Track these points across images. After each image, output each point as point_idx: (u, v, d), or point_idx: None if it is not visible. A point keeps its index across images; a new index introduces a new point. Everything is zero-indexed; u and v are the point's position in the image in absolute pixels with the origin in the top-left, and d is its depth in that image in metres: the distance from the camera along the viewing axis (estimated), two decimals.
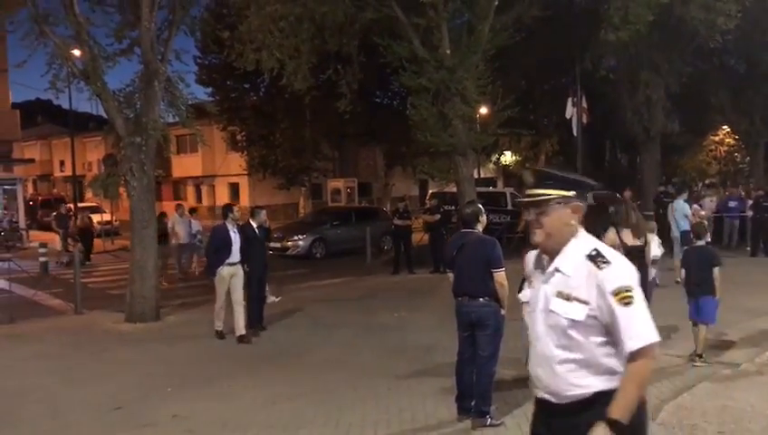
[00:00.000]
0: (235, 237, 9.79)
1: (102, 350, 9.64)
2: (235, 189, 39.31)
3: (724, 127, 37.73)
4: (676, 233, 13.74)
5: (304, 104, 25.66)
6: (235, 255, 9.78)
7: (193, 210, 19.06)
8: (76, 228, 21.28)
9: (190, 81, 15.17)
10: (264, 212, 10.95)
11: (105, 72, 11.84)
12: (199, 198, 42.33)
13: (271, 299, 12.04)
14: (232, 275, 9.79)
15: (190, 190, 43.20)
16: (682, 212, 13.85)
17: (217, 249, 9.80)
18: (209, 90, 32.60)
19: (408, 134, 19.70)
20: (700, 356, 7.69)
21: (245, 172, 35.73)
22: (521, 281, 5.68)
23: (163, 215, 15.91)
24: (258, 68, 15.66)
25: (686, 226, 13.37)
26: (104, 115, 12.80)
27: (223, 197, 40.22)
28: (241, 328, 9.67)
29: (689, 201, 15.20)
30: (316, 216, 25.48)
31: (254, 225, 10.38)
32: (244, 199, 38.24)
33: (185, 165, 40.05)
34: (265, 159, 32.82)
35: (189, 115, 13.11)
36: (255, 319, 10.22)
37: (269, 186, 33.54)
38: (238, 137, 33.87)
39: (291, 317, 11.47)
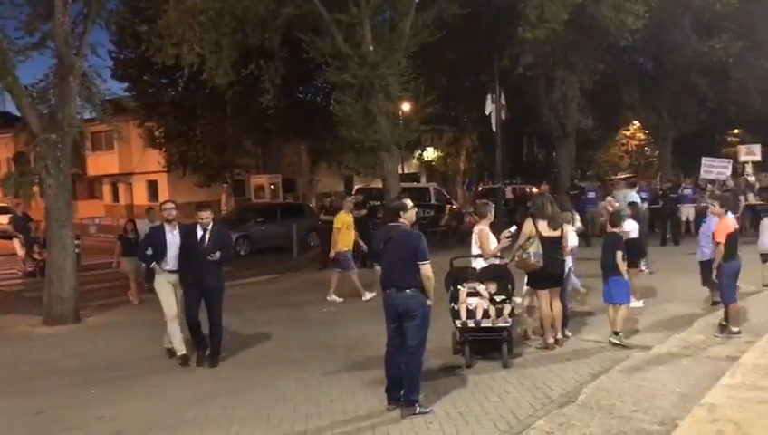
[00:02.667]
0: (173, 241, 8.26)
1: (20, 353, 9.29)
2: (153, 187, 38.26)
3: (635, 122, 39.43)
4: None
5: (226, 99, 25.24)
6: (172, 260, 8.27)
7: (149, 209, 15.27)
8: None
9: (105, 76, 14.75)
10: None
11: (16, 67, 11.35)
12: (116, 197, 41.02)
13: None
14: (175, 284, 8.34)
15: (106, 189, 41.78)
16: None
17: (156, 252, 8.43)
18: (125, 85, 31.61)
19: (332, 130, 19.74)
20: (617, 333, 8.12)
21: (164, 169, 34.81)
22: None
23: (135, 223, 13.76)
24: (177, 63, 15.34)
25: None
26: (13, 112, 12.28)
27: (141, 195, 39.14)
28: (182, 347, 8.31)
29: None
30: (240, 212, 25.14)
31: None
32: (164, 197, 37.20)
33: (100, 163, 38.69)
34: (185, 155, 32.06)
35: (106, 111, 12.73)
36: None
37: (189, 183, 32.79)
38: (156, 133, 32.91)
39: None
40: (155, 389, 7.28)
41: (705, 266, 9.68)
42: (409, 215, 6.39)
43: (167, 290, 8.25)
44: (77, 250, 13.28)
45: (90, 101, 12.27)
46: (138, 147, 35.56)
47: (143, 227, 13.52)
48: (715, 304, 9.76)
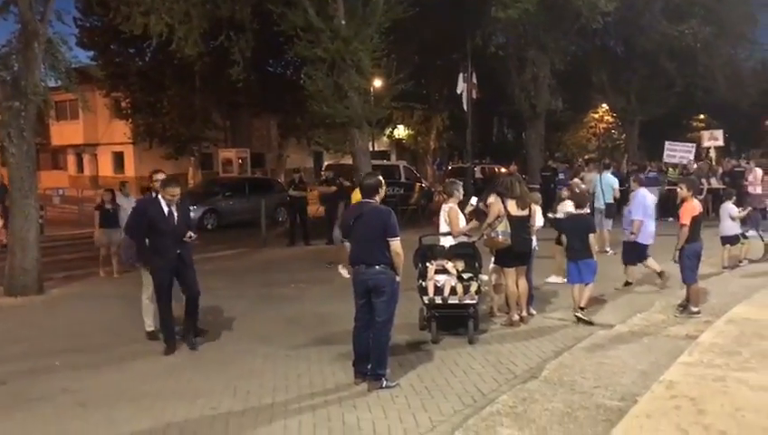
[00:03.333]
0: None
1: None
2: (119, 159, 37.65)
3: (604, 105, 39.84)
4: (601, 205, 14.08)
5: (194, 71, 24.90)
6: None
7: (123, 184, 14.64)
8: None
9: (71, 43, 14.29)
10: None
11: None
12: (81, 168, 40.31)
13: None
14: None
15: (71, 159, 41.02)
16: (610, 186, 14.29)
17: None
18: (91, 54, 30.90)
19: (302, 105, 19.58)
20: (583, 308, 8.32)
21: (131, 141, 34.26)
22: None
23: (114, 193, 13.16)
24: (146, 32, 15.02)
25: (610, 198, 13.99)
26: None
27: (106, 166, 38.51)
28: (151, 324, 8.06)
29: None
30: (207, 186, 24.89)
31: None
32: (130, 169, 36.75)
33: (65, 132, 37.86)
34: (152, 127, 31.53)
35: (72, 79, 12.45)
36: None
37: (156, 155, 32.24)
38: (123, 103, 32.30)
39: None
40: (120, 361, 7.23)
41: (627, 246, 10.19)
42: (381, 193, 6.44)
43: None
44: (40, 221, 12.94)
45: (54, 69, 11.96)
46: (104, 117, 34.87)
47: (120, 201, 13.07)
48: (627, 284, 10.15)
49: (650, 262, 10.20)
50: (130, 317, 9.12)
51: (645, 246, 10.02)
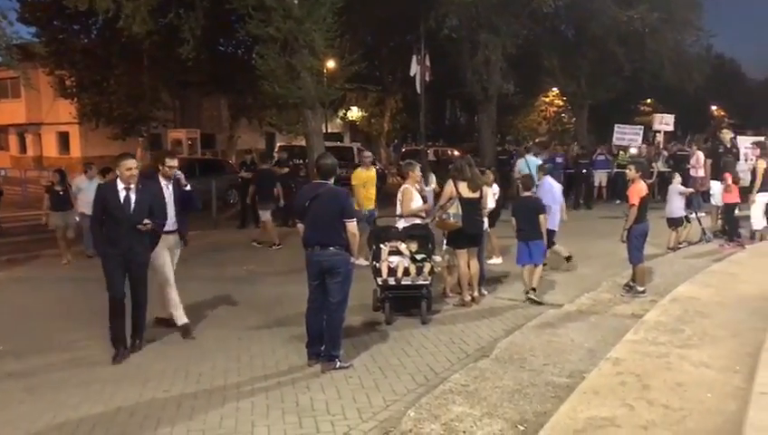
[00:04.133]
0: (169, 197, 7.30)
1: None
2: (64, 139, 36.57)
3: (554, 89, 40.36)
4: None
5: (142, 49, 24.23)
6: (170, 220, 7.29)
7: (89, 165, 13.61)
8: None
9: (11, 18, 13.73)
10: None
11: None
12: (23, 148, 39.04)
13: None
14: (173, 248, 7.51)
15: (13, 139, 39.70)
16: (536, 166, 14.51)
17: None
18: (33, 30, 29.80)
19: (254, 85, 19.31)
20: (534, 289, 8.47)
21: (76, 121, 33.26)
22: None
23: (64, 174, 12.67)
24: (91, 8, 14.60)
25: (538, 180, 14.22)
26: None
27: (50, 147, 37.40)
28: (183, 315, 7.43)
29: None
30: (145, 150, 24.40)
31: None
32: (75, 150, 35.77)
33: (6, 111, 36.60)
34: (98, 106, 30.59)
35: (13, 56, 12.04)
36: None
37: (102, 136, 31.40)
38: (68, 82, 31.28)
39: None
40: (68, 345, 7.07)
41: (554, 234, 10.24)
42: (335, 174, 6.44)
43: (163, 255, 7.25)
44: None
45: None
46: (47, 96, 33.76)
47: (82, 183, 12.55)
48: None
49: (557, 247, 10.43)
50: (78, 301, 8.95)
51: (553, 232, 10.16)
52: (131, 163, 6.64)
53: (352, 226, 6.13)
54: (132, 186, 6.58)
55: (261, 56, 15.76)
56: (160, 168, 7.31)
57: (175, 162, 7.36)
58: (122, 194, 6.58)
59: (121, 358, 6.53)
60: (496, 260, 10.73)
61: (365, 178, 11.35)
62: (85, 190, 12.13)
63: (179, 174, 7.35)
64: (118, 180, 6.65)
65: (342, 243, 6.11)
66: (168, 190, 7.26)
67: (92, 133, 32.08)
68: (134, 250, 6.65)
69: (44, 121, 36.58)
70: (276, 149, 24.18)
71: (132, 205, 6.59)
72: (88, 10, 14.82)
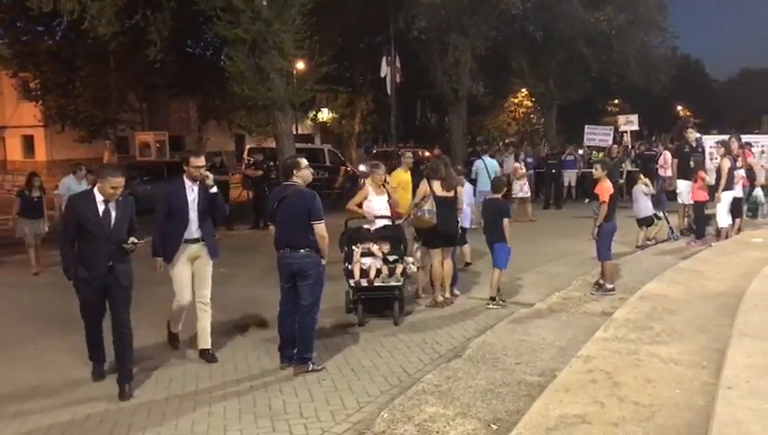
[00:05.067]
0: (193, 201, 6.45)
1: None
2: (29, 142, 35.95)
3: (523, 90, 40.70)
4: (485, 187, 14.61)
5: (109, 51, 23.90)
6: (193, 226, 6.47)
7: (78, 166, 13.25)
8: None
9: None
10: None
11: None
12: None
13: None
14: (195, 258, 6.65)
15: None
16: (492, 168, 14.91)
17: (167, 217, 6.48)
18: None
19: (223, 86, 19.20)
20: (493, 299, 8.39)
21: (41, 124, 32.70)
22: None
23: (35, 176, 11.83)
24: (56, 9, 14.35)
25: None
26: None
27: (15, 150, 36.72)
28: (207, 339, 6.64)
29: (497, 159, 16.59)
30: (124, 171, 24.00)
31: None
32: (41, 154, 35.18)
33: None
34: (64, 109, 30.11)
35: None
36: None
37: (68, 139, 30.93)
38: (32, 84, 30.75)
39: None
40: (34, 353, 6.93)
41: (466, 232, 10.25)
42: (303, 174, 6.30)
43: (184, 268, 6.50)
44: None
45: None
46: (11, 98, 33.20)
47: (72, 184, 12.25)
48: (467, 264, 10.51)
49: (466, 247, 10.52)
50: (43, 307, 8.79)
51: (466, 230, 10.17)
52: (119, 182, 5.67)
53: (320, 227, 6.09)
54: (114, 199, 5.70)
55: (229, 58, 15.64)
56: (186, 169, 6.46)
57: (201, 161, 6.51)
58: (101, 207, 5.65)
59: (101, 374, 6.02)
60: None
61: (404, 181, 10.34)
62: (76, 192, 11.83)
63: (208, 174, 6.54)
64: (95, 190, 5.70)
65: (312, 245, 6.08)
66: (192, 193, 6.41)
67: (58, 136, 31.60)
68: (116, 272, 5.73)
69: (8, 125, 35.92)
70: (246, 152, 24.00)
71: (113, 219, 5.69)
72: (52, 11, 14.55)
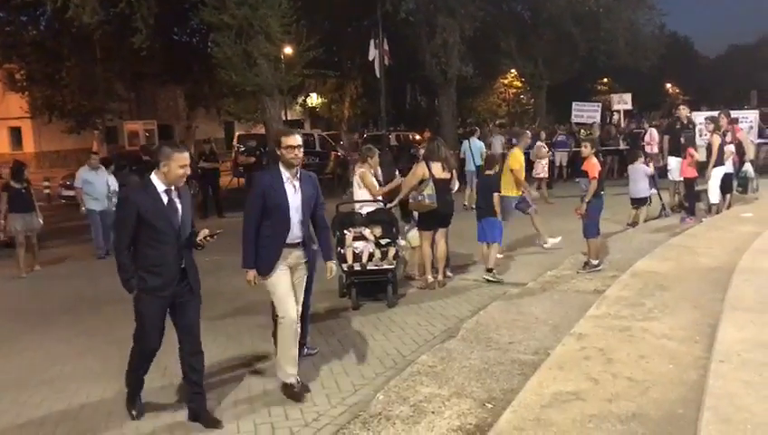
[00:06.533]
0: (294, 196, 5.13)
1: None
2: (16, 134, 35.71)
3: (513, 71, 40.64)
4: (471, 168, 15.25)
5: (94, 40, 23.69)
6: (295, 228, 5.19)
7: (94, 154, 12.96)
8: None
9: None
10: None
11: None
12: None
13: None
14: (296, 266, 5.34)
15: None
16: (478, 149, 15.51)
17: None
18: None
19: (210, 73, 19.08)
20: (490, 270, 8.53)
21: (28, 115, 32.42)
22: None
23: (20, 164, 11.40)
24: None
25: (479, 161, 14.65)
26: None
27: (2, 143, 36.45)
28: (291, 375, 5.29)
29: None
30: (114, 160, 23.87)
31: None
32: (29, 145, 34.94)
33: None
34: (51, 100, 29.86)
35: None
36: None
37: (56, 130, 30.73)
38: (17, 75, 30.47)
39: (89, 266, 10.85)
40: (29, 344, 6.93)
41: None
42: None
43: (285, 279, 5.24)
44: None
45: None
46: None
47: (88, 175, 11.95)
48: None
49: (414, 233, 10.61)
50: (36, 298, 8.77)
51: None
52: (186, 158, 4.60)
53: None
54: (174, 189, 4.64)
55: (216, 44, 15.57)
56: (279, 152, 5.13)
57: (297, 139, 5.11)
58: (165, 197, 4.60)
59: (141, 413, 5.03)
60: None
61: (523, 162, 10.32)
62: (94, 183, 11.92)
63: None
64: (154, 178, 4.60)
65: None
66: (294, 187, 5.14)
67: (46, 128, 31.40)
68: (188, 277, 4.80)
69: None
70: (236, 139, 23.88)
71: (180, 212, 4.68)
72: (35, 0, 14.38)
